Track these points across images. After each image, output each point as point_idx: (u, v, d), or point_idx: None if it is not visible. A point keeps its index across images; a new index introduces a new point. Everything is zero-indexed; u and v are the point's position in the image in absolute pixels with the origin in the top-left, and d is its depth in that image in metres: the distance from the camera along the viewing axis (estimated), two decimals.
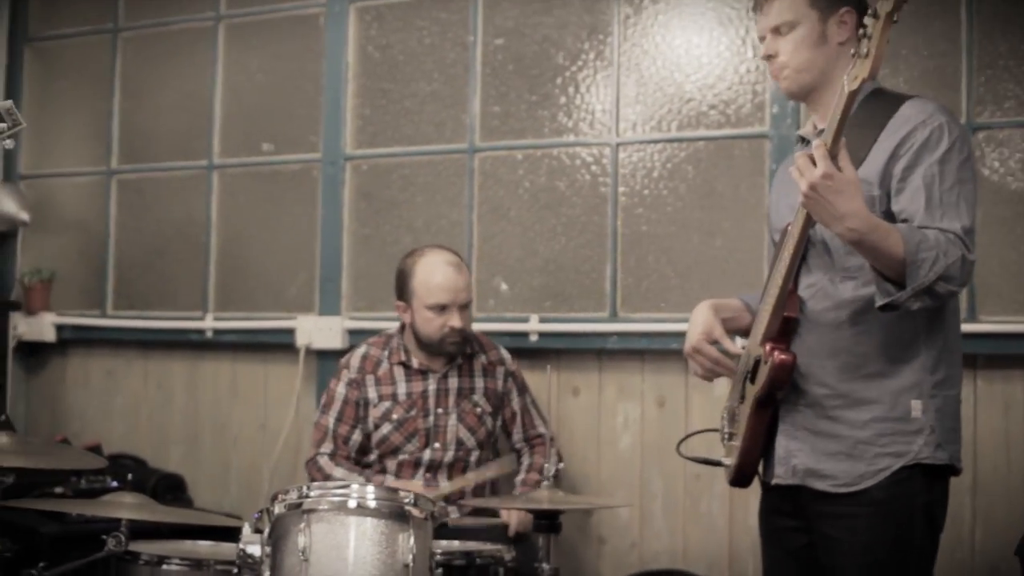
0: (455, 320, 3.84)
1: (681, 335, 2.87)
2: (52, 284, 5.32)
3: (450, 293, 3.84)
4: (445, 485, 3.82)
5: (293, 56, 4.94)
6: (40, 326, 5.26)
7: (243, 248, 5.00)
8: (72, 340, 5.27)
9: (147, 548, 3.19)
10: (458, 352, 3.94)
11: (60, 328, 5.26)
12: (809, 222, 2.58)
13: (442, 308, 3.84)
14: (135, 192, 5.26)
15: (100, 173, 5.31)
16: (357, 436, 3.94)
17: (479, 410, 3.95)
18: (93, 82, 5.38)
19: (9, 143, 2.58)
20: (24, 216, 5.29)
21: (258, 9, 5.00)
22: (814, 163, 2.43)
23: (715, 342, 2.80)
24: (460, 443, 3.92)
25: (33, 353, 5.36)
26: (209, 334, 4.95)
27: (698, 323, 2.84)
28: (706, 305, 2.87)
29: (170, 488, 4.78)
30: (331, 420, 3.95)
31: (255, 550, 2.91)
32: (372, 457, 3.94)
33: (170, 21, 5.20)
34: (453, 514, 3.63)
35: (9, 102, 2.60)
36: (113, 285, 5.26)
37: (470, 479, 3.83)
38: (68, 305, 5.31)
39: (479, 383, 4.00)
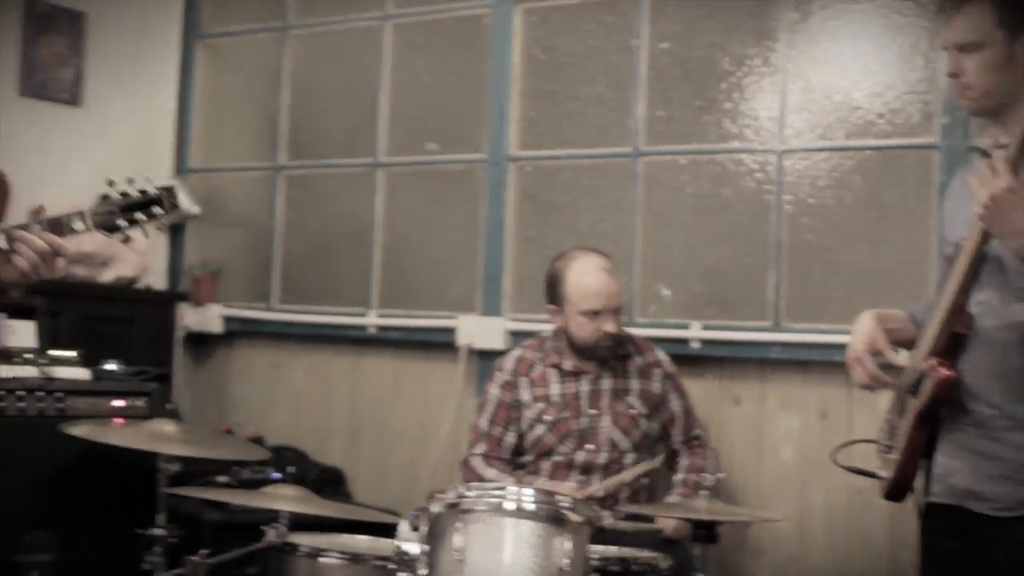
0: (609, 325, 3.97)
1: (844, 347, 2.93)
2: (220, 277, 5.67)
3: (603, 299, 3.97)
4: (596, 486, 3.95)
5: (459, 56, 5.16)
6: (207, 317, 5.60)
7: (407, 246, 5.25)
8: (238, 332, 5.61)
9: (306, 540, 3.33)
10: (611, 355, 4.07)
11: (227, 320, 5.60)
12: (985, 237, 2.61)
13: (595, 313, 3.97)
14: (302, 188, 5.55)
15: (268, 169, 5.63)
16: (511, 438, 4.11)
17: (634, 411, 4.05)
18: (262, 79, 5.70)
19: (164, 226, 2.77)
20: (194, 209, 5.56)
21: (425, 9, 5.23)
22: (995, 175, 2.45)
23: (878, 353, 2.85)
24: (614, 444, 4.02)
25: (200, 344, 5.71)
26: (372, 330, 5.21)
27: (861, 332, 2.88)
28: (870, 315, 2.91)
29: (329, 482, 5.05)
30: (485, 422, 4.14)
31: (412, 547, 3.02)
32: (528, 459, 4.09)
33: (338, 20, 5.48)
34: (608, 519, 3.71)
35: (173, 184, 2.76)
36: (279, 279, 5.57)
37: (622, 478, 3.94)
38: (235, 297, 5.64)
39: (634, 384, 4.11)
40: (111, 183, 2.67)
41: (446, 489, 2.96)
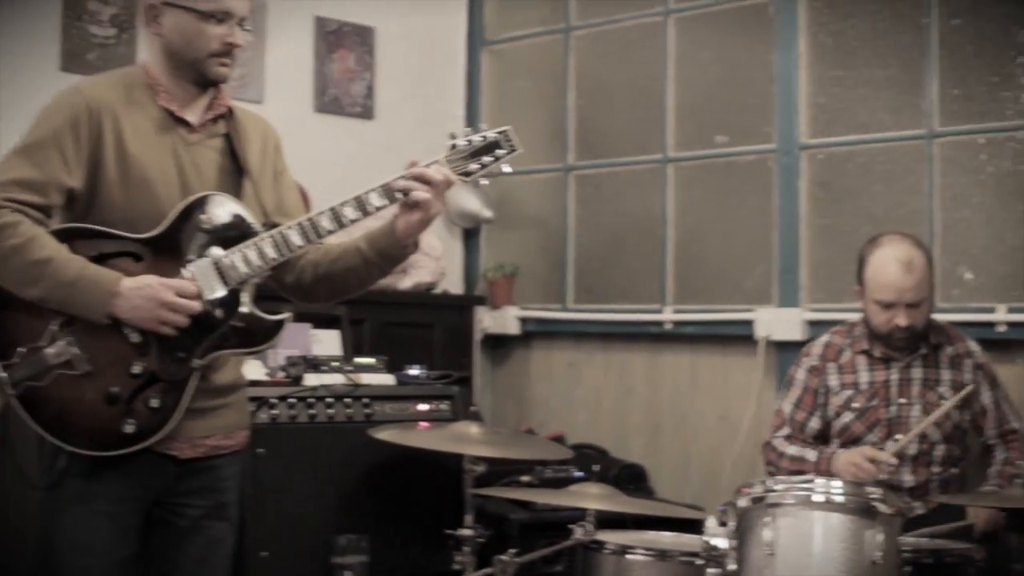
0: (901, 318, 4.19)
1: None
2: (515, 278, 6.28)
3: (894, 292, 4.14)
4: (901, 438, 4.14)
5: (743, 47, 5.61)
6: (504, 319, 6.22)
7: (700, 241, 5.73)
8: (535, 333, 6.22)
9: (611, 537, 3.58)
10: (907, 347, 4.28)
11: (523, 321, 6.21)
12: None
13: (888, 305, 4.21)
14: (592, 187, 6.12)
15: (558, 169, 6.22)
16: (815, 423, 4.39)
17: (945, 403, 4.20)
18: (548, 81, 6.31)
19: (507, 167, 3.09)
20: (487, 213, 6.23)
21: (707, 1, 5.70)
22: None
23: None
24: (924, 435, 4.20)
25: (498, 346, 6.35)
26: (668, 326, 5.71)
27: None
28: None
29: (632, 478, 5.48)
30: (789, 406, 4.44)
31: (720, 542, 3.22)
32: (833, 448, 4.33)
33: (621, 18, 6.02)
34: (918, 510, 3.84)
35: (508, 127, 3.08)
36: (573, 279, 6.15)
37: (931, 419, 4.10)
38: (530, 299, 6.26)
39: (945, 375, 4.30)
40: (453, 135, 3.01)
41: (752, 483, 3.22)
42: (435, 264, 5.86)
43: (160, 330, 2.76)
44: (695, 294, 5.68)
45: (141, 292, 2.73)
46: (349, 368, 4.73)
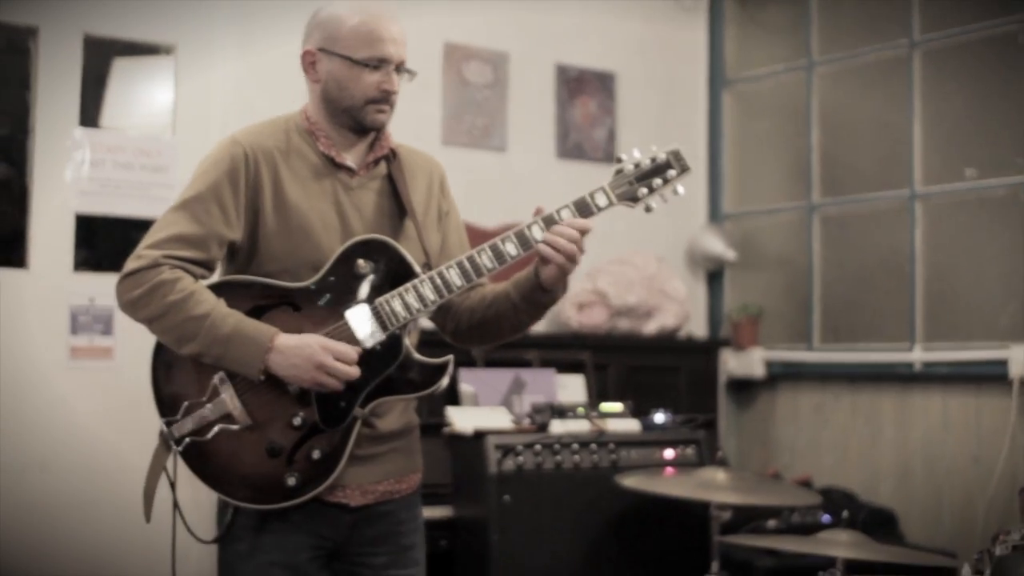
0: None
1: None
2: (760, 320, 6.29)
3: None
4: None
5: (992, 77, 5.53)
6: (749, 362, 6.25)
7: (949, 277, 5.65)
8: (780, 375, 6.22)
9: None
10: None
11: (769, 363, 6.21)
12: None
13: None
14: (837, 225, 6.10)
15: (801, 208, 6.22)
16: None
17: None
18: (790, 118, 6.34)
19: (680, 189, 2.92)
20: (730, 254, 6.28)
21: (954, 31, 5.64)
22: None
23: None
24: None
25: (743, 389, 6.38)
26: (918, 366, 5.64)
27: None
28: None
29: (881, 523, 5.40)
30: None
31: None
32: None
33: (864, 52, 6.01)
34: None
35: (676, 147, 2.95)
36: (819, 319, 6.13)
37: None
38: (775, 340, 6.27)
39: None
40: (619, 159, 2.91)
41: (1010, 529, 3.15)
42: (679, 307, 5.93)
43: (317, 389, 2.76)
44: (945, 333, 5.60)
45: (299, 352, 2.73)
46: (594, 414, 4.76)
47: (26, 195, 4.86)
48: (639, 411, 4.95)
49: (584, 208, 2.87)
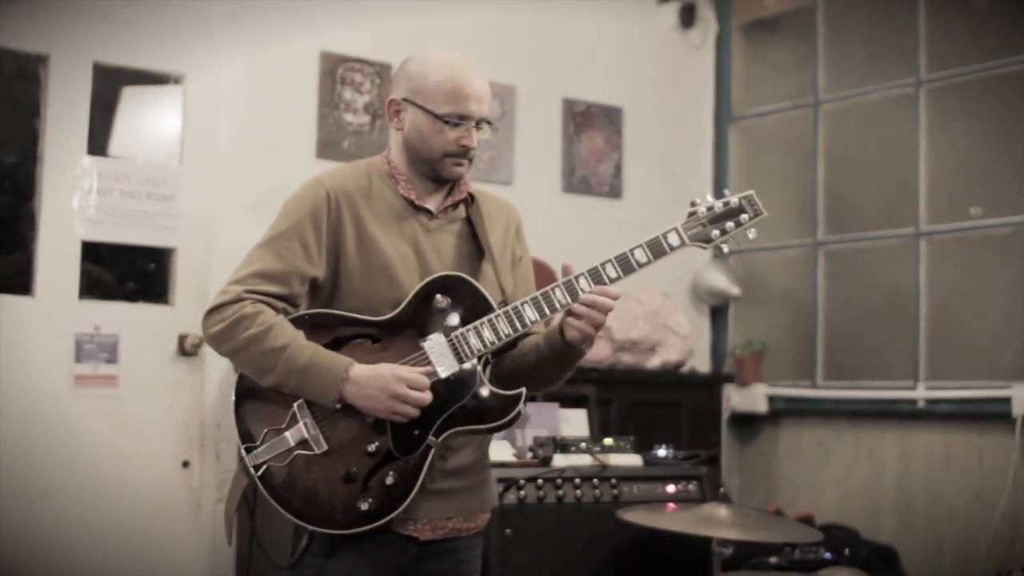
0: None
1: None
2: (763, 356, 6.30)
3: None
4: None
5: (998, 115, 5.58)
6: (752, 397, 6.27)
7: (953, 316, 5.67)
8: (783, 411, 6.24)
9: None
10: None
11: (771, 399, 6.22)
12: None
13: None
14: (842, 262, 6.13)
15: (806, 245, 6.24)
16: None
17: None
18: (796, 155, 6.38)
19: (752, 233, 3.02)
20: (735, 290, 6.30)
21: (960, 71, 5.68)
22: None
23: None
24: None
25: (745, 424, 6.40)
26: (921, 404, 5.65)
27: None
28: None
29: (883, 561, 5.42)
30: None
31: None
32: None
33: (870, 90, 6.04)
34: None
35: (751, 192, 3.01)
36: (823, 355, 6.15)
37: None
38: (779, 376, 6.29)
39: None
40: (693, 203, 2.97)
41: (1011, 569, 3.27)
42: (683, 343, 5.94)
43: (392, 419, 2.81)
44: (948, 371, 5.62)
45: (374, 382, 2.79)
46: (597, 449, 4.75)
47: (33, 222, 4.89)
48: (642, 446, 4.94)
49: (657, 248, 2.92)
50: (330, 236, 2.93)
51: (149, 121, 5.27)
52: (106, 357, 4.94)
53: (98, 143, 5.04)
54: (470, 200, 3.08)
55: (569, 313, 2.89)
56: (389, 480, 2.83)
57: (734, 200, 2.98)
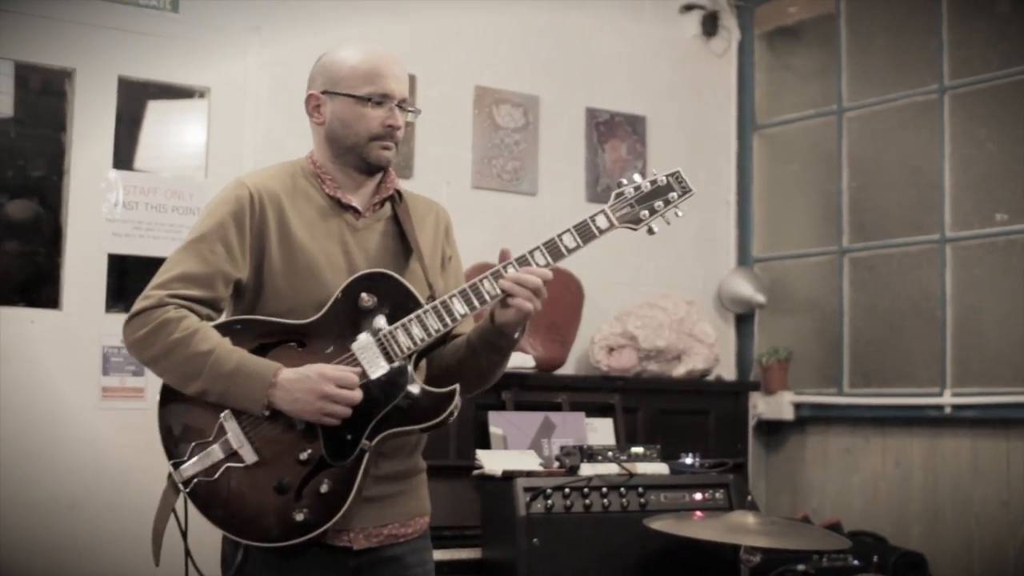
0: None
1: None
2: (789, 363, 6.27)
3: None
4: None
5: (1021, 122, 5.54)
6: (779, 405, 6.24)
7: (980, 321, 5.65)
8: (810, 418, 6.22)
9: None
10: None
11: (798, 407, 6.20)
12: None
13: None
14: (867, 269, 6.11)
15: (831, 252, 6.23)
16: None
17: None
18: (820, 163, 6.36)
19: (681, 211, 2.94)
20: (760, 298, 6.28)
21: (984, 77, 5.67)
22: None
23: None
24: None
25: (772, 432, 6.37)
26: (948, 410, 5.63)
27: None
28: None
29: (911, 567, 5.36)
30: None
31: None
32: None
33: (893, 98, 6.02)
34: None
35: (678, 169, 2.97)
36: (849, 363, 6.13)
37: None
38: (805, 384, 6.26)
39: None
40: (620, 183, 2.92)
41: None
42: (708, 351, 5.92)
43: (322, 421, 2.72)
44: (975, 377, 5.60)
45: (301, 384, 2.70)
46: (624, 458, 4.76)
47: (60, 236, 4.92)
48: (668, 454, 4.93)
49: (585, 231, 2.85)
50: (254, 237, 2.87)
51: (174, 134, 5.30)
52: (133, 370, 4.95)
53: (124, 157, 5.06)
54: (398, 198, 3.02)
55: (500, 302, 2.82)
56: (324, 488, 2.74)
57: (661, 178, 2.94)
